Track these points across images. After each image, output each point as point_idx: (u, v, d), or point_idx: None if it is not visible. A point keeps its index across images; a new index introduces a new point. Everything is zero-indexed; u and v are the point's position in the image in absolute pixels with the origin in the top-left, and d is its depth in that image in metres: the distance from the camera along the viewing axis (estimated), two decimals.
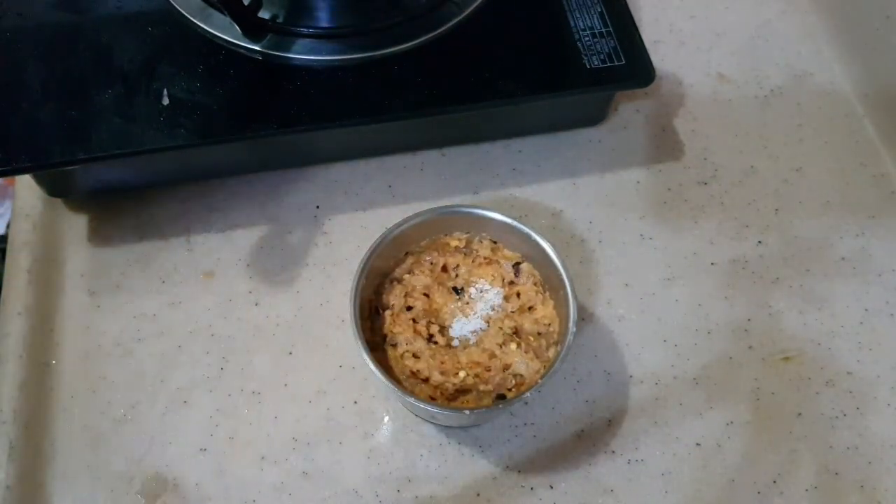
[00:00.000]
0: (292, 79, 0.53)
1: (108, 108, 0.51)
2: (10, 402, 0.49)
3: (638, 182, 0.59)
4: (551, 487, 0.48)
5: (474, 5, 0.56)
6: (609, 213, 0.58)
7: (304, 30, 0.54)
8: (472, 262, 0.50)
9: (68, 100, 0.51)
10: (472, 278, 0.50)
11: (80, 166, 0.51)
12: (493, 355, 0.47)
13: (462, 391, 0.47)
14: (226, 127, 0.51)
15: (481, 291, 0.50)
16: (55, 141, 0.50)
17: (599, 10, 0.57)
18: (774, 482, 0.49)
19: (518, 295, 0.50)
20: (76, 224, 0.56)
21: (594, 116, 0.61)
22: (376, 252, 0.47)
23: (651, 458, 0.49)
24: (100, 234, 0.55)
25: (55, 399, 0.50)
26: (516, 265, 0.50)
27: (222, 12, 0.53)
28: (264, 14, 0.55)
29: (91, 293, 0.53)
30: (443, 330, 0.48)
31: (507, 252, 0.50)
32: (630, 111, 0.63)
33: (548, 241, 0.48)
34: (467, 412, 0.45)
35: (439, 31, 0.55)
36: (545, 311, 0.49)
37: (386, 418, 0.50)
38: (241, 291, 0.54)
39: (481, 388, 0.47)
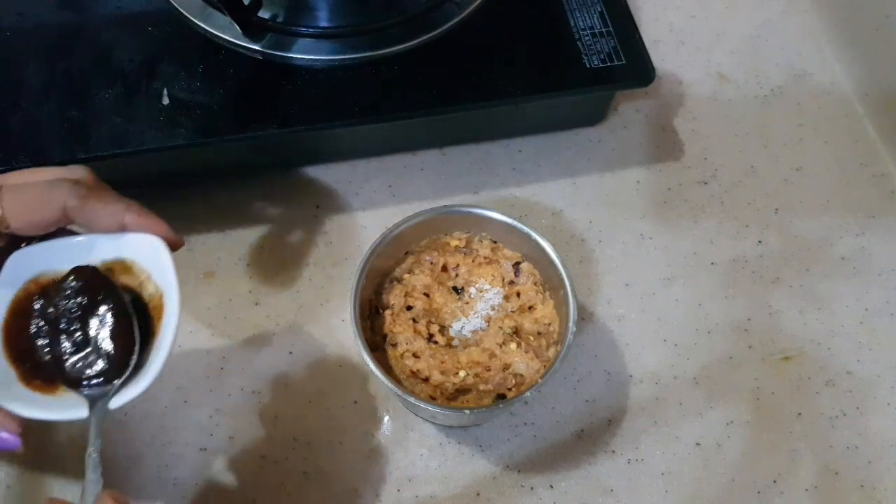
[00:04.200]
0: (292, 78, 0.53)
1: (108, 107, 0.51)
2: None
3: (638, 182, 0.59)
4: (551, 487, 0.48)
5: (474, 5, 0.56)
6: (609, 212, 0.58)
7: (304, 29, 0.54)
8: (472, 261, 0.50)
9: (68, 99, 0.51)
10: (472, 278, 0.50)
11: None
12: (493, 355, 0.47)
13: (462, 391, 0.47)
14: (226, 127, 0.51)
15: (481, 291, 0.50)
16: (55, 140, 0.50)
17: (599, 9, 0.57)
18: (774, 482, 0.49)
19: (518, 294, 0.50)
20: None
21: (594, 116, 0.61)
22: (376, 252, 0.47)
23: (651, 457, 0.49)
24: None
25: None
26: (516, 265, 0.50)
27: (222, 12, 0.52)
28: (264, 14, 0.55)
29: None
30: (443, 330, 0.48)
31: (507, 252, 0.50)
32: (630, 111, 0.63)
33: (548, 240, 0.48)
34: (467, 412, 0.45)
35: (439, 30, 0.55)
36: (545, 310, 0.49)
37: (386, 418, 0.50)
38: (241, 291, 0.54)
39: (481, 387, 0.47)
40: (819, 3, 0.69)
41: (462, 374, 0.47)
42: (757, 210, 0.59)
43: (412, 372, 0.47)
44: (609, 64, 0.55)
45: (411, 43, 0.54)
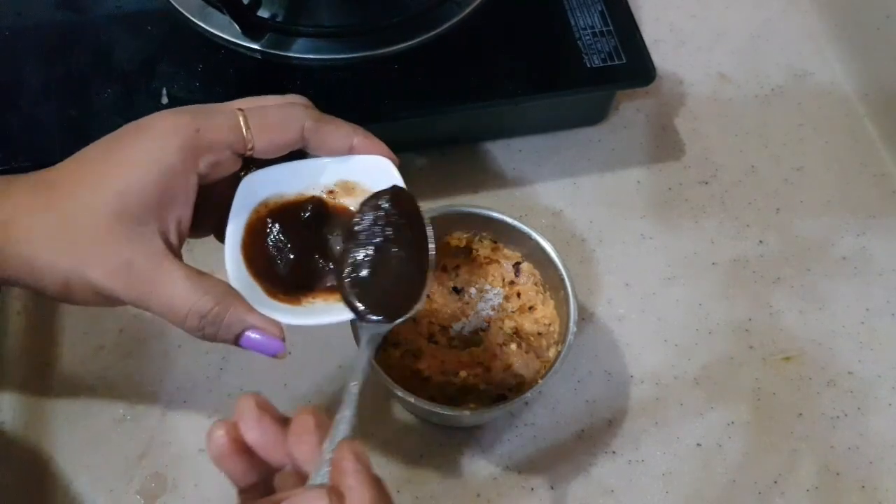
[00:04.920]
0: (292, 78, 0.53)
1: (107, 107, 0.51)
2: (10, 401, 0.49)
3: (638, 181, 0.59)
4: (552, 488, 0.48)
5: (474, 4, 0.56)
6: (609, 212, 0.58)
7: (303, 28, 0.54)
8: (472, 261, 0.50)
9: (68, 99, 0.51)
10: (472, 278, 0.50)
11: None
12: (493, 355, 0.47)
13: (462, 391, 0.47)
14: None
15: (481, 291, 0.49)
16: (54, 140, 0.49)
17: (600, 8, 0.57)
18: (775, 482, 0.49)
19: (518, 295, 0.49)
20: None
21: (595, 116, 0.61)
22: None
23: (652, 458, 0.49)
24: None
25: (55, 398, 0.50)
26: (516, 265, 0.50)
27: (222, 11, 0.52)
28: (263, 13, 0.54)
29: None
30: (443, 330, 0.48)
31: (507, 252, 0.50)
32: (630, 110, 0.62)
33: (548, 240, 0.48)
34: (467, 412, 0.45)
35: (439, 30, 0.55)
36: (545, 310, 0.49)
37: (386, 418, 0.50)
38: None
39: (482, 388, 0.47)
40: (819, 3, 0.68)
41: (462, 374, 0.47)
42: (758, 210, 0.59)
43: (412, 372, 0.47)
44: (609, 63, 0.55)
45: (411, 42, 0.54)
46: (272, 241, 0.38)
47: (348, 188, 0.39)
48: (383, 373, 0.44)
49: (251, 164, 0.38)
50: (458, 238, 0.50)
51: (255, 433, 0.31)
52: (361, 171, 0.39)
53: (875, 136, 0.62)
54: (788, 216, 0.58)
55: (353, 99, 0.52)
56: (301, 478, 0.31)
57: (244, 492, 0.32)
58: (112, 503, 0.47)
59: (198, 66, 0.53)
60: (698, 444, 0.50)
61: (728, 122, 0.63)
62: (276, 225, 0.38)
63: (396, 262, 0.36)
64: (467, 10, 0.56)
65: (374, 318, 0.36)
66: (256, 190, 0.38)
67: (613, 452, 0.49)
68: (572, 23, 0.56)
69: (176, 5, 0.54)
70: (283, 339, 0.36)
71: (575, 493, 0.48)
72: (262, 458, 0.32)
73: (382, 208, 0.37)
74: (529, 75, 0.55)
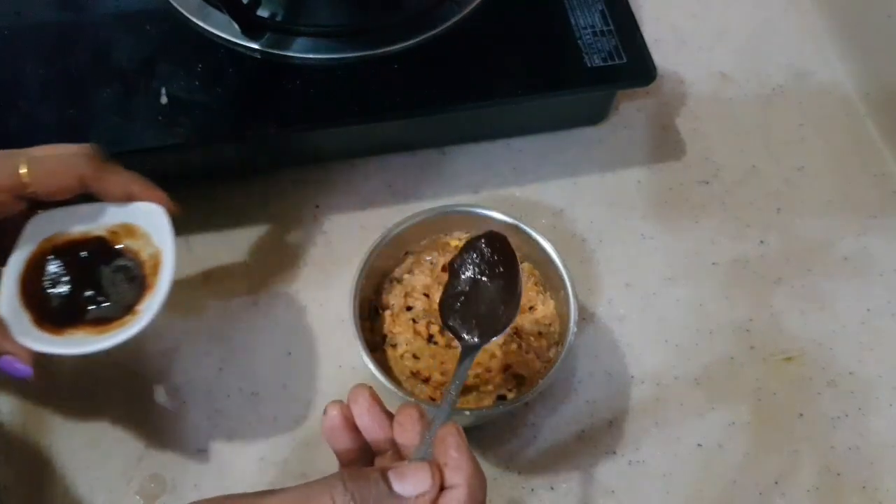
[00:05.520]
0: (291, 77, 0.53)
1: (106, 107, 0.51)
2: (9, 402, 0.49)
3: (639, 181, 0.59)
4: (552, 489, 0.48)
5: (474, 4, 0.56)
6: (610, 212, 0.58)
7: (303, 28, 0.54)
8: None
9: (66, 99, 0.51)
10: None
11: None
12: (493, 356, 0.47)
13: (462, 391, 0.47)
14: (225, 126, 0.51)
15: None
16: (53, 140, 0.49)
17: (600, 8, 0.57)
18: (776, 483, 0.49)
19: None
20: None
21: (595, 115, 0.61)
22: (376, 252, 0.47)
23: (652, 458, 0.49)
24: None
25: (54, 399, 0.49)
26: None
27: (221, 10, 0.52)
28: (263, 12, 0.54)
29: None
30: (443, 330, 0.48)
31: None
32: (631, 110, 0.62)
33: (548, 240, 0.48)
34: (467, 412, 0.45)
35: (439, 29, 0.55)
36: (546, 311, 0.49)
37: None
38: (240, 291, 0.53)
39: (482, 388, 0.46)
40: (820, 2, 0.68)
41: None
42: (758, 210, 0.58)
43: (412, 373, 0.46)
44: (610, 63, 0.55)
45: (411, 42, 0.54)
46: (50, 275, 0.42)
47: (129, 230, 0.44)
48: (383, 374, 0.44)
49: (45, 205, 0.42)
50: (458, 238, 0.50)
51: (366, 419, 0.36)
52: (139, 216, 0.43)
53: (876, 135, 0.62)
54: (789, 216, 0.58)
55: (353, 99, 0.52)
56: (402, 460, 0.36)
57: (346, 467, 0.37)
58: (112, 503, 0.47)
59: (197, 66, 0.52)
60: (699, 445, 0.50)
61: (729, 121, 0.62)
62: (57, 260, 0.43)
63: (489, 293, 0.42)
64: (467, 10, 0.56)
65: (470, 339, 0.41)
66: (43, 227, 0.43)
67: (614, 453, 0.49)
68: (573, 22, 0.56)
69: (175, 5, 0.54)
70: (33, 366, 0.40)
71: (575, 494, 0.48)
72: (365, 440, 0.36)
73: (479, 249, 0.43)
74: (529, 75, 0.54)
